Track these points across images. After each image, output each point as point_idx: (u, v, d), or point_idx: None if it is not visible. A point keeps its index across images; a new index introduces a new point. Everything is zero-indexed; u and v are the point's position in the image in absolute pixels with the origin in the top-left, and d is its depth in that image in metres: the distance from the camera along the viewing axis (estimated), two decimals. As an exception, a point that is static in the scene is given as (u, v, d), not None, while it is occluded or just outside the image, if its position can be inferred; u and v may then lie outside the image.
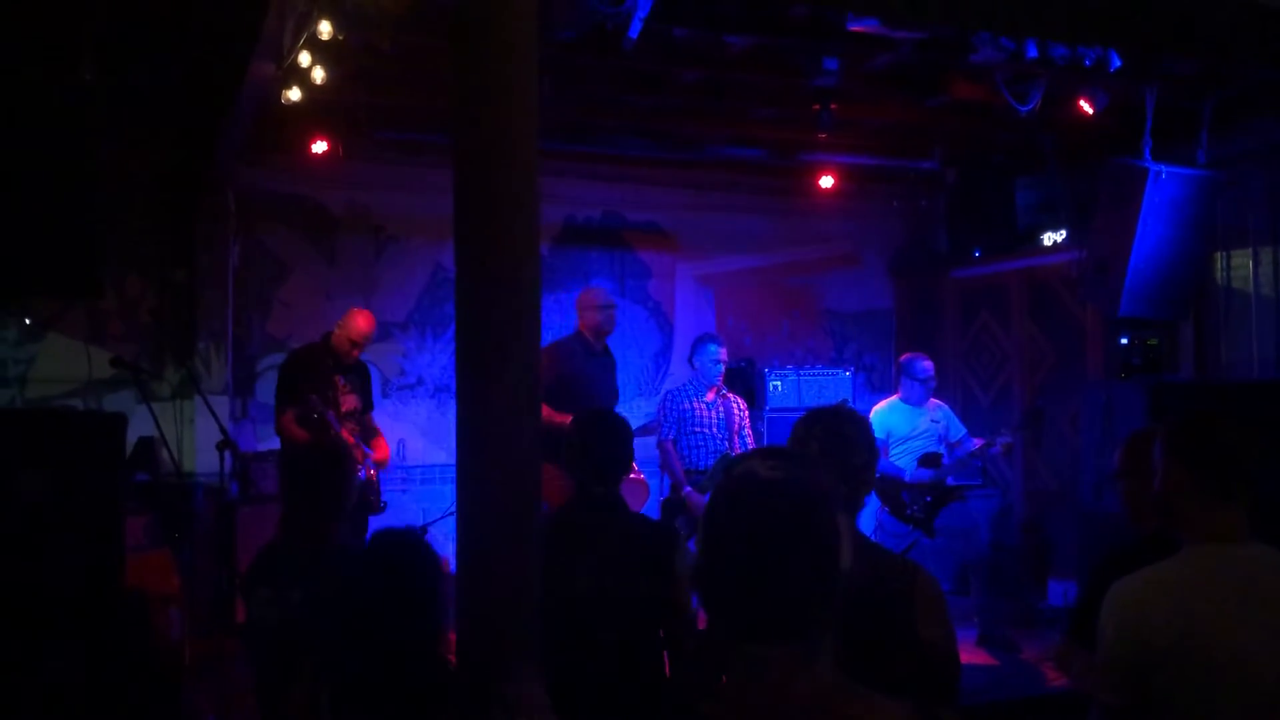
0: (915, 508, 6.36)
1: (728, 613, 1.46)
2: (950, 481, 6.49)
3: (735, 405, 6.57)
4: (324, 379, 5.79)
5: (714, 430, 6.42)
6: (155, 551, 5.43)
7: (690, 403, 6.47)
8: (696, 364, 6.54)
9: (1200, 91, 6.04)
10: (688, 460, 6.40)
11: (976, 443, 6.60)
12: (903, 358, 6.89)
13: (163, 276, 6.93)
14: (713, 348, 6.49)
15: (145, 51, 5.76)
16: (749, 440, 6.57)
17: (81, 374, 6.37)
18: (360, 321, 5.92)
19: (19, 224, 3.62)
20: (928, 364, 6.69)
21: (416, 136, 6.88)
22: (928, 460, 6.46)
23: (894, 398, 6.81)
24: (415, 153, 7.03)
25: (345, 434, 5.76)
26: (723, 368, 6.50)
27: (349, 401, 5.92)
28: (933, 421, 6.68)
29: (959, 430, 6.79)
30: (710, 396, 6.47)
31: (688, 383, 6.60)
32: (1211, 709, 2.15)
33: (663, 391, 6.93)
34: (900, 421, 6.66)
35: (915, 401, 6.70)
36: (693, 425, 6.42)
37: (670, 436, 6.45)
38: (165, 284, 6.93)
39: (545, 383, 6.23)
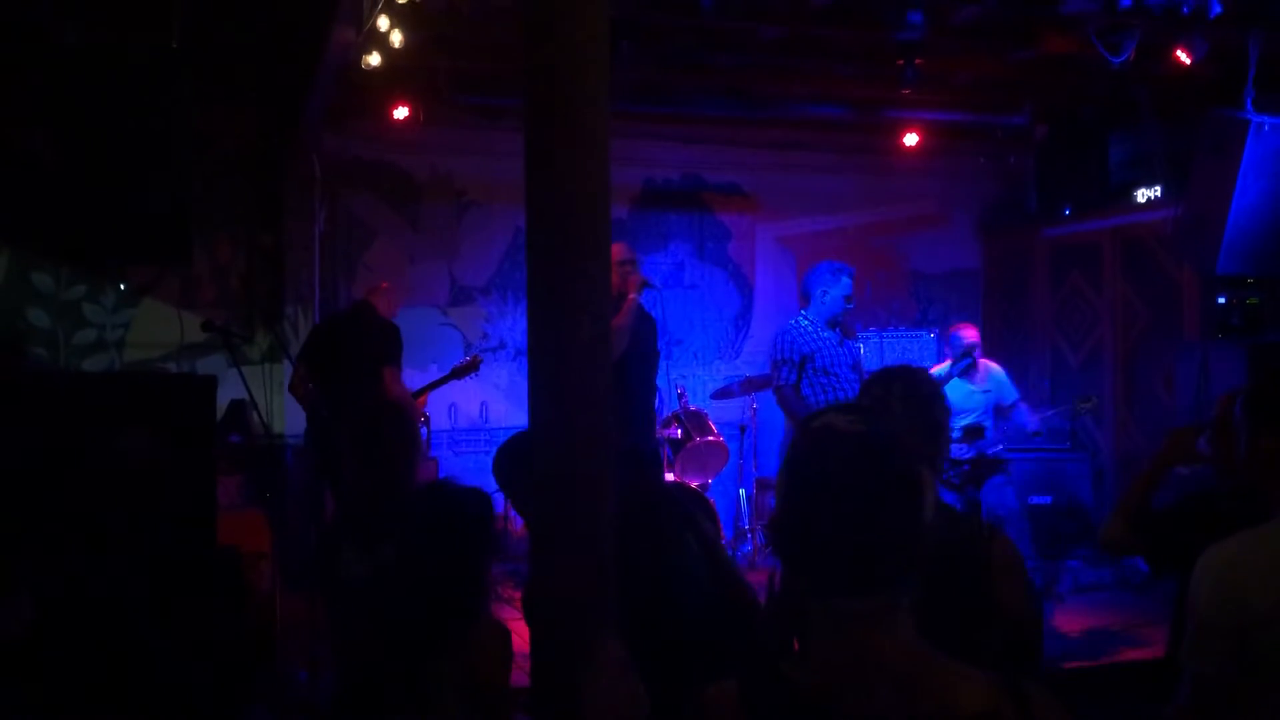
0: (951, 474, 6.07)
1: (809, 566, 1.44)
2: (989, 453, 6.24)
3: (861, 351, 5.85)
4: None
5: (846, 371, 5.53)
6: (248, 510, 5.60)
7: (817, 338, 5.53)
8: (827, 298, 5.58)
9: (1308, 38, 5.77)
10: (816, 405, 5.31)
11: (1033, 423, 6.46)
12: (950, 329, 6.74)
13: (251, 242, 7.09)
14: (845, 279, 5.59)
15: (230, 19, 5.86)
16: None
17: (175, 338, 6.56)
18: (397, 295, 6.43)
19: (112, 192, 3.73)
20: (965, 333, 6.51)
21: (496, 101, 6.90)
22: (969, 434, 6.25)
23: (945, 364, 6.60)
24: (495, 117, 7.05)
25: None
26: (851, 305, 5.62)
27: None
28: (984, 391, 6.43)
29: (1011, 395, 6.48)
30: (839, 333, 5.62)
31: (809, 316, 5.62)
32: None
33: (779, 329, 5.79)
34: (948, 389, 6.46)
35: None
36: (822, 364, 5.48)
37: (790, 380, 5.49)
38: (254, 250, 7.09)
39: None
